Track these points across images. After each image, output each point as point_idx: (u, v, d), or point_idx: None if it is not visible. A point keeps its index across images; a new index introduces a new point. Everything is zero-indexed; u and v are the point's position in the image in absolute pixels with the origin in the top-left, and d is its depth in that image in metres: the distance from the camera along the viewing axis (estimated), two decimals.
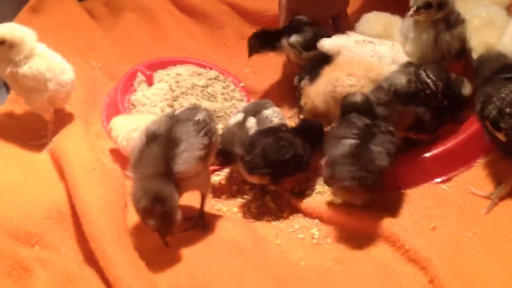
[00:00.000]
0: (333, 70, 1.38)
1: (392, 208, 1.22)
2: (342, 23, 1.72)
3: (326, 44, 1.46)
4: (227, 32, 1.95)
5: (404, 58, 1.40)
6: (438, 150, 1.30)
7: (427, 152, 1.30)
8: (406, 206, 1.22)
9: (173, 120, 1.11)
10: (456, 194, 1.24)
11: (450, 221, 1.17)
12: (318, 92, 1.36)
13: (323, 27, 1.64)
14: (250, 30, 1.93)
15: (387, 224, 1.14)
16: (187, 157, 1.08)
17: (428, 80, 1.28)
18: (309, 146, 1.28)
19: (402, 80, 1.26)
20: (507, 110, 1.12)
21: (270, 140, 1.25)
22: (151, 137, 1.08)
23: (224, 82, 1.70)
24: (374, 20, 1.59)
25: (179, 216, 1.05)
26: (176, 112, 1.14)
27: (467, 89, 1.36)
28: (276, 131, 1.28)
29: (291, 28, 1.63)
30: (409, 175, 1.29)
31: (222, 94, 1.66)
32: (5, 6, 1.76)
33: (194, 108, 1.17)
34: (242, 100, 1.65)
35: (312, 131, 1.32)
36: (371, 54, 1.41)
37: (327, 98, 1.34)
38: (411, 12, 1.32)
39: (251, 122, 1.35)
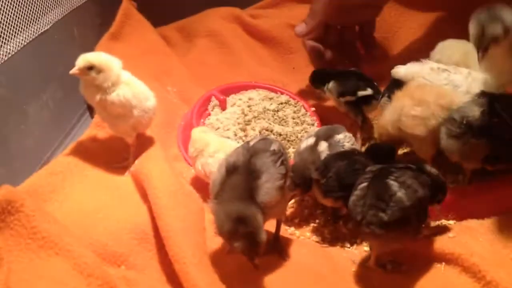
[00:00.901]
0: (403, 96, 1.39)
1: (472, 237, 1.20)
2: (369, 30, 1.82)
3: (400, 71, 1.46)
4: (296, 57, 1.98)
5: (480, 88, 1.37)
6: None
7: (507, 180, 1.28)
8: (486, 236, 1.20)
9: (251, 152, 1.14)
10: None
11: None
12: (387, 122, 1.37)
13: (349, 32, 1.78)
14: None
15: (467, 254, 1.12)
16: (269, 187, 1.10)
17: (503, 112, 1.24)
18: None
19: (475, 112, 1.24)
20: None
21: (344, 163, 1.26)
22: (231, 169, 1.11)
23: (295, 106, 1.73)
24: (453, 48, 1.58)
25: (264, 236, 1.06)
26: (252, 143, 1.16)
27: None
28: (350, 155, 1.30)
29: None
30: (489, 203, 1.27)
31: (293, 118, 1.69)
32: (88, 32, 1.86)
33: (267, 139, 1.19)
34: (313, 125, 1.66)
35: (383, 155, 1.32)
36: (445, 82, 1.39)
37: (395, 126, 1.35)
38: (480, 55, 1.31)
39: (323, 147, 1.37)
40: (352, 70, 1.69)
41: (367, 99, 1.62)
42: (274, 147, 1.17)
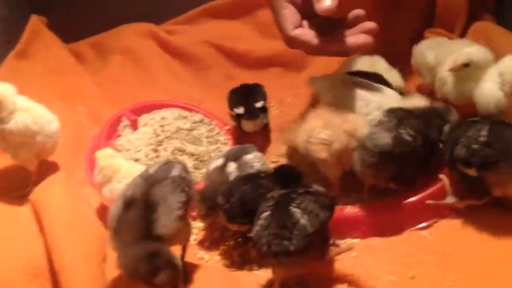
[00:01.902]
0: (317, 115, 1.38)
1: (373, 257, 1.22)
2: None
3: (313, 82, 1.49)
4: (213, 74, 1.97)
5: (391, 102, 1.40)
6: (418, 197, 1.31)
7: (407, 199, 1.31)
8: (387, 254, 1.22)
9: (150, 181, 1.11)
10: (436, 241, 1.24)
11: (430, 269, 1.17)
12: (299, 143, 1.37)
13: None
14: (236, 71, 1.99)
15: (366, 276, 1.14)
16: (166, 220, 1.08)
17: (409, 138, 1.28)
18: None
19: (386, 139, 1.27)
20: (474, 146, 1.17)
21: (248, 187, 1.25)
22: (129, 203, 1.08)
23: (209, 125, 1.71)
24: (362, 62, 1.63)
25: (179, 262, 1.07)
26: (151, 171, 1.14)
27: (454, 116, 1.38)
28: (255, 178, 1.29)
29: None
30: (389, 222, 1.29)
31: (207, 137, 1.67)
32: None
33: (169, 163, 1.17)
34: (226, 144, 1.65)
35: (290, 178, 1.30)
36: (358, 97, 1.41)
37: (304, 147, 1.35)
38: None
39: (232, 168, 1.36)
40: (249, 85, 1.69)
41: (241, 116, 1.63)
42: (175, 172, 1.15)
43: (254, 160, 1.39)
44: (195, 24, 2.07)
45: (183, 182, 1.14)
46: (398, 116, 1.31)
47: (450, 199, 1.27)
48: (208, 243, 1.38)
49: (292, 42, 1.35)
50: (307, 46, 1.33)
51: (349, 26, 1.40)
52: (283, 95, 1.88)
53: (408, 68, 1.73)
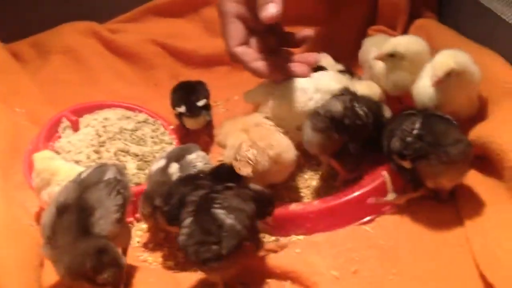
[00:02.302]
0: (244, 129, 1.33)
1: (317, 253, 1.21)
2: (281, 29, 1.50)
3: (249, 95, 1.46)
4: (158, 73, 1.94)
5: (329, 83, 1.42)
6: (361, 192, 1.31)
7: (350, 194, 1.32)
8: (331, 250, 1.22)
9: (82, 186, 1.08)
10: (378, 235, 1.25)
11: (372, 263, 1.18)
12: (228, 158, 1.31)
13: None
14: (182, 70, 1.97)
15: (309, 272, 1.14)
16: (103, 224, 1.06)
17: (361, 112, 1.31)
18: None
19: (338, 107, 1.29)
20: (408, 139, 1.19)
21: (188, 189, 1.22)
22: (62, 209, 1.05)
23: (154, 125, 1.68)
24: None
25: (125, 260, 1.05)
26: (83, 176, 1.11)
27: (387, 112, 1.41)
28: (194, 179, 1.26)
29: None
30: (333, 218, 1.29)
31: (152, 137, 1.64)
32: None
33: (102, 166, 1.15)
34: (171, 144, 1.63)
35: (229, 176, 1.27)
36: (293, 89, 1.41)
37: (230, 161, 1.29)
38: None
39: (173, 168, 1.34)
40: (191, 82, 1.67)
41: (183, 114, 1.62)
42: (109, 175, 1.12)
43: (197, 159, 1.37)
44: (140, 22, 2.03)
45: (119, 184, 1.12)
46: (353, 94, 1.35)
47: (390, 196, 1.29)
48: (152, 245, 1.36)
49: (232, 58, 1.39)
50: (245, 66, 1.37)
51: (297, 43, 1.46)
52: (229, 94, 1.87)
53: (354, 65, 1.75)
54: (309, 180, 1.46)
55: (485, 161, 1.30)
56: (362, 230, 1.28)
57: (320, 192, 1.41)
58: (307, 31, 1.44)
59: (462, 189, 1.27)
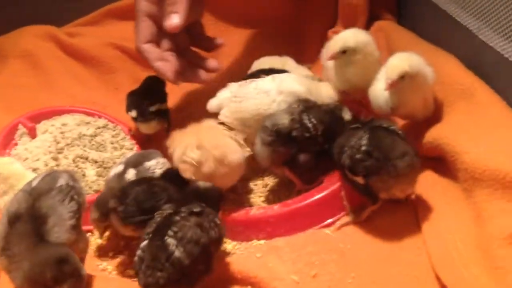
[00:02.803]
0: (195, 132, 1.34)
1: (278, 257, 1.21)
2: (200, 30, 1.59)
3: (213, 105, 1.44)
4: (119, 77, 1.92)
5: (292, 85, 1.41)
6: (321, 195, 1.32)
7: (310, 197, 1.32)
8: (291, 254, 1.22)
9: (34, 195, 1.06)
10: (338, 239, 1.26)
11: (331, 266, 1.18)
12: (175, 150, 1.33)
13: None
14: (143, 74, 1.91)
15: (269, 278, 1.14)
16: (58, 231, 1.05)
17: (309, 125, 1.31)
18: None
19: (285, 120, 1.30)
20: (358, 156, 1.20)
21: (142, 187, 1.22)
22: (14, 219, 1.03)
23: (114, 130, 1.66)
24: (267, 63, 1.63)
25: (85, 273, 1.04)
26: (34, 184, 1.09)
27: (347, 115, 1.40)
28: (149, 180, 1.26)
29: None
30: (293, 222, 1.30)
31: (112, 143, 1.62)
32: None
33: (53, 173, 1.13)
34: (132, 149, 1.61)
35: (177, 180, 1.28)
36: (256, 92, 1.41)
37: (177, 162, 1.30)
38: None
39: (130, 174, 1.32)
40: (149, 85, 1.65)
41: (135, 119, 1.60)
42: (61, 182, 1.11)
43: (156, 166, 1.36)
44: (99, 25, 2.00)
45: (72, 191, 1.11)
46: (305, 104, 1.35)
47: (351, 217, 1.29)
48: (112, 253, 1.34)
49: (140, 54, 1.47)
50: (149, 63, 1.45)
51: (209, 49, 1.55)
52: (193, 97, 1.86)
53: (318, 67, 1.76)
54: (269, 184, 1.46)
55: (442, 162, 1.32)
56: (323, 233, 1.28)
57: (280, 196, 1.41)
58: (219, 41, 1.55)
59: (419, 190, 1.29)
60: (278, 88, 1.40)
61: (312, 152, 1.32)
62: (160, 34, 1.46)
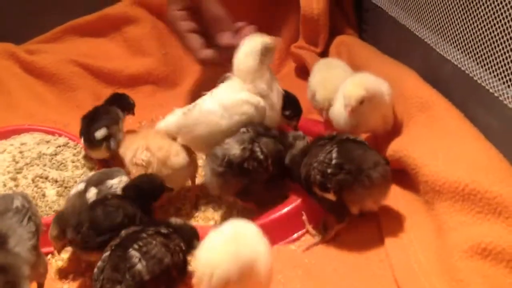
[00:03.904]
0: (145, 134, 1.39)
1: None
2: None
3: (161, 127, 1.41)
4: (80, 94, 1.89)
5: (231, 97, 1.36)
6: (286, 210, 1.32)
7: (275, 212, 1.32)
8: None
9: None
10: (303, 254, 1.26)
11: (296, 283, 1.18)
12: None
13: None
14: (106, 91, 1.91)
15: None
16: (20, 251, 1.02)
17: (261, 156, 1.29)
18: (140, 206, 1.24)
19: (235, 150, 1.27)
20: (329, 170, 1.18)
21: (95, 211, 1.20)
22: None
23: (75, 148, 1.63)
24: None
25: None
26: None
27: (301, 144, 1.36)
28: (102, 201, 1.24)
29: None
30: None
31: (73, 161, 1.59)
32: None
33: (7, 195, 1.11)
34: (94, 168, 1.58)
35: (140, 191, 1.26)
36: (202, 116, 1.36)
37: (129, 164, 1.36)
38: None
39: (91, 193, 1.30)
40: (100, 108, 1.61)
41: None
42: (17, 203, 1.08)
43: (119, 184, 1.33)
44: (59, 42, 1.97)
45: (28, 212, 1.09)
46: (254, 130, 1.31)
47: (317, 238, 1.28)
48: (73, 276, 1.30)
49: (169, 21, 1.61)
50: (179, 32, 1.58)
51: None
52: (155, 113, 1.84)
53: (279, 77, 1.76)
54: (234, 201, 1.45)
55: (404, 174, 1.33)
56: (288, 249, 1.28)
57: (245, 212, 1.40)
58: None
59: (382, 204, 1.29)
60: (220, 104, 1.35)
61: (263, 181, 1.31)
62: (191, 12, 1.56)
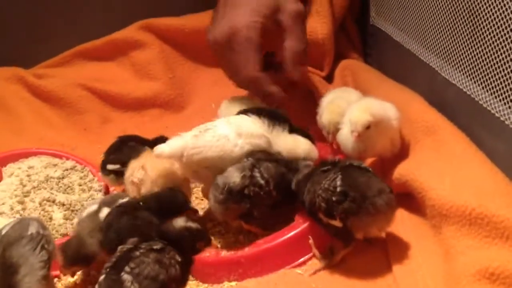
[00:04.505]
0: (146, 155, 1.42)
1: None
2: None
3: (164, 151, 1.34)
4: (88, 117, 1.91)
5: (251, 128, 1.38)
6: (292, 233, 1.31)
7: (281, 236, 1.31)
8: None
9: (4, 243, 1.04)
10: (310, 279, 1.25)
11: None
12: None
13: None
14: (113, 114, 1.95)
15: None
16: (29, 282, 1.02)
17: (262, 181, 1.29)
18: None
19: (236, 178, 1.28)
20: (334, 198, 1.18)
21: (125, 219, 1.24)
22: None
23: (82, 172, 1.65)
24: (235, 103, 1.62)
25: None
26: (4, 232, 1.07)
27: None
28: (132, 210, 1.27)
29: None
30: (264, 262, 1.28)
31: (80, 185, 1.60)
32: None
33: (23, 220, 1.11)
34: (100, 191, 1.59)
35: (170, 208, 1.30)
36: (215, 139, 1.36)
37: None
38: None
39: (104, 213, 1.30)
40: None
41: None
42: (32, 230, 1.08)
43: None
44: (67, 66, 2.00)
45: (43, 239, 1.08)
46: (255, 157, 1.33)
47: (323, 263, 1.27)
48: None
49: (250, 82, 1.55)
50: (263, 88, 1.54)
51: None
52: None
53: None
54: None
55: (411, 198, 1.33)
56: (294, 273, 1.27)
57: (251, 236, 1.40)
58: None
59: (390, 227, 1.29)
60: (236, 131, 1.37)
61: (266, 205, 1.32)
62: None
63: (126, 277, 1.04)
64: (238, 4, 1.54)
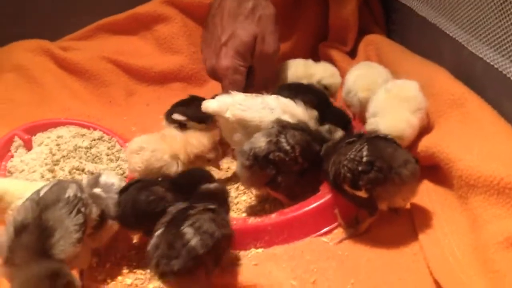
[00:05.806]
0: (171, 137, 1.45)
1: (276, 264, 1.23)
2: None
3: (212, 105, 1.41)
4: (113, 90, 1.93)
5: (296, 110, 1.42)
6: (318, 203, 1.33)
7: (307, 205, 1.34)
8: (289, 262, 1.24)
9: (41, 206, 1.06)
10: (336, 246, 1.27)
11: (330, 273, 1.20)
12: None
13: None
14: (137, 87, 1.97)
15: (267, 284, 1.15)
16: (63, 244, 1.04)
17: (287, 147, 1.31)
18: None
19: (261, 143, 1.31)
20: (360, 168, 1.19)
21: (140, 194, 1.25)
22: (20, 228, 1.03)
23: (109, 142, 1.67)
24: (292, 65, 1.69)
25: (79, 284, 1.03)
26: (42, 194, 1.09)
27: (338, 134, 1.44)
28: (148, 185, 1.27)
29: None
30: (291, 230, 1.31)
31: (107, 155, 1.63)
32: None
33: (61, 183, 1.13)
34: (127, 161, 1.61)
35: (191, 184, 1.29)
36: (262, 106, 1.41)
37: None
38: None
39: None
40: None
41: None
42: (69, 193, 1.10)
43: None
44: (92, 40, 2.02)
45: (79, 203, 1.10)
46: (281, 125, 1.35)
47: (349, 232, 1.29)
48: (110, 265, 1.33)
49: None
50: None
51: None
52: None
53: None
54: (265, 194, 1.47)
55: (436, 170, 1.35)
56: (320, 241, 1.30)
57: (277, 205, 1.42)
58: None
59: (415, 199, 1.31)
60: (282, 108, 1.41)
61: (293, 172, 1.33)
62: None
63: (187, 229, 1.08)
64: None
